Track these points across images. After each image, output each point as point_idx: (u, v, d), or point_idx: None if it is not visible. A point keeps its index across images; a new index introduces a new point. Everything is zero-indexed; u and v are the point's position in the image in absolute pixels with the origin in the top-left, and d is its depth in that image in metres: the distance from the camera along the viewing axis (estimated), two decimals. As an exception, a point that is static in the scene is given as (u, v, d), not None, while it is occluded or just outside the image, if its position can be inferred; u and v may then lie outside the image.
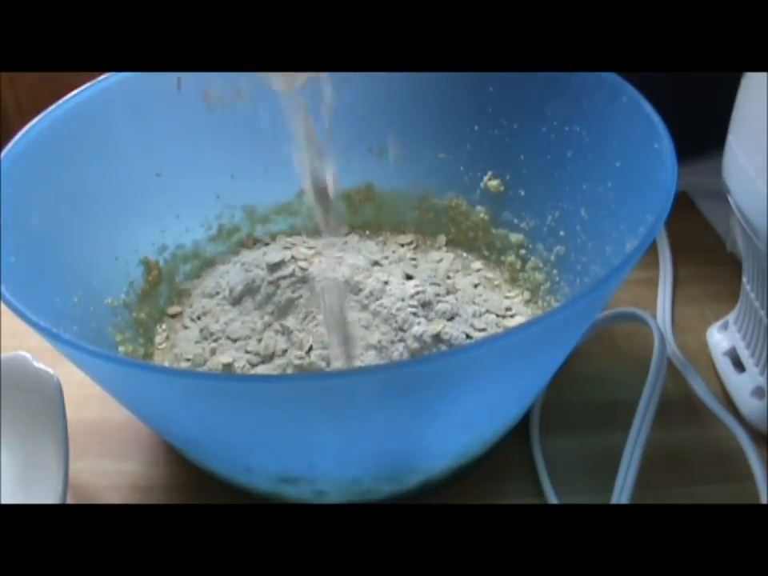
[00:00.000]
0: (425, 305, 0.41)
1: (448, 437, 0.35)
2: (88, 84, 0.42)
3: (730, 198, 0.38)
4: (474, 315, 0.42)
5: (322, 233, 0.39)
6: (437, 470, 0.36)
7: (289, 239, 0.49)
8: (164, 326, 0.46)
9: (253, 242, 0.50)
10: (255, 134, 0.45)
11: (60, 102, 0.41)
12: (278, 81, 0.33)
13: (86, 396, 0.39)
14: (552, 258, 0.44)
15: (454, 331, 0.40)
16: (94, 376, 0.33)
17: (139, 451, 0.42)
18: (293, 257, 0.44)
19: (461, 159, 0.48)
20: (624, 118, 0.38)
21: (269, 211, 0.50)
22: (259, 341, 0.41)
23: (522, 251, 0.46)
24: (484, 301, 0.44)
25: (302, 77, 0.33)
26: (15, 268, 0.34)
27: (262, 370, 0.40)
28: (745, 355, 0.41)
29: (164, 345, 0.45)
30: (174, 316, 0.46)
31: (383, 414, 0.31)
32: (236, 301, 0.44)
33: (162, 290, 0.47)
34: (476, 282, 0.46)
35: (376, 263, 0.46)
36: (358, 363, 0.39)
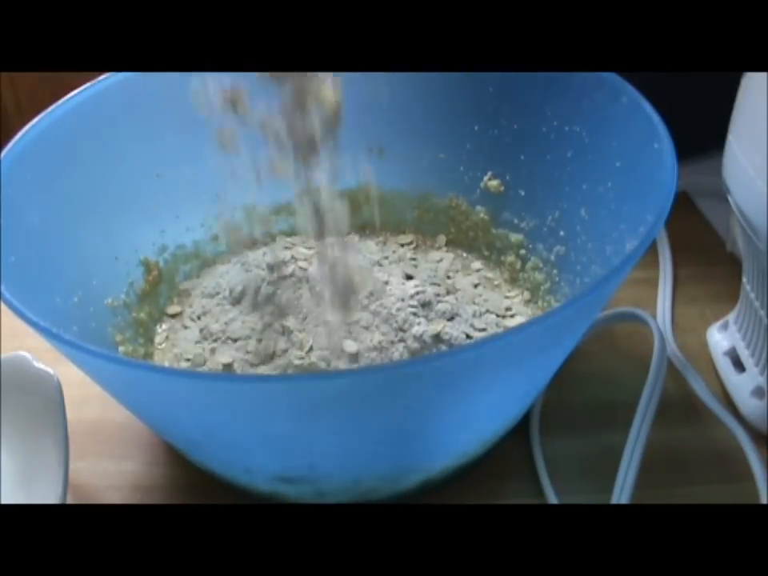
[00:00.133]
0: (425, 305, 0.41)
1: (448, 437, 0.35)
2: (88, 84, 0.42)
3: (730, 198, 0.38)
4: (473, 315, 0.42)
5: (316, 235, 0.38)
6: (437, 470, 0.36)
7: (289, 239, 0.49)
8: (164, 326, 0.46)
9: (252, 243, 0.50)
10: (255, 134, 0.45)
11: (60, 101, 0.41)
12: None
13: (86, 396, 0.39)
14: (552, 257, 0.44)
15: (454, 331, 0.40)
16: (94, 376, 0.33)
17: (139, 451, 0.42)
18: (293, 257, 0.44)
19: (461, 159, 0.48)
20: (624, 118, 0.38)
21: (269, 211, 0.50)
22: (259, 341, 0.41)
23: (522, 251, 0.46)
24: (484, 301, 0.44)
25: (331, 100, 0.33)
26: (15, 268, 0.34)
27: (262, 370, 0.40)
28: (745, 355, 0.41)
29: (164, 345, 0.45)
30: (174, 316, 0.46)
31: (383, 414, 0.31)
32: (236, 301, 0.44)
33: (161, 289, 0.47)
34: (476, 282, 0.46)
35: (376, 263, 0.46)
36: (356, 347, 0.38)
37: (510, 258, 0.47)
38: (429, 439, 0.35)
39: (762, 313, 0.39)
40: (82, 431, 0.41)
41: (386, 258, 0.47)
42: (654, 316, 0.45)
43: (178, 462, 0.41)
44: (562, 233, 0.43)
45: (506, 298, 0.46)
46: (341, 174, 0.48)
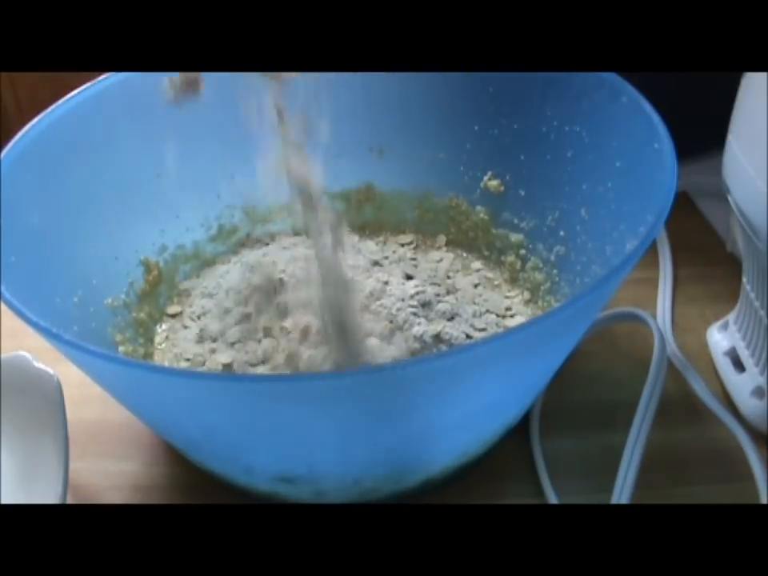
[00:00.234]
0: (425, 305, 0.41)
1: (448, 437, 0.35)
2: (88, 84, 0.42)
3: (730, 198, 0.38)
4: (473, 315, 0.42)
5: (309, 234, 0.38)
6: (437, 469, 0.36)
7: (289, 239, 0.49)
8: (164, 326, 0.46)
9: (252, 243, 0.50)
10: (255, 134, 0.45)
11: (60, 101, 0.41)
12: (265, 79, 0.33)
13: (86, 396, 0.39)
14: (552, 257, 0.44)
15: (454, 331, 0.40)
16: (94, 376, 0.33)
17: (139, 451, 0.41)
18: (293, 257, 0.44)
19: (461, 159, 0.48)
20: (624, 117, 0.38)
21: (269, 211, 0.50)
22: (259, 341, 0.41)
23: (522, 251, 0.46)
24: (484, 301, 0.44)
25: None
26: (15, 268, 0.34)
27: (261, 370, 0.40)
28: (745, 355, 0.41)
29: (164, 345, 0.45)
30: (173, 316, 0.46)
31: (383, 414, 0.31)
32: (236, 301, 0.44)
33: (161, 289, 0.47)
34: (476, 281, 0.46)
35: (376, 263, 0.46)
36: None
37: (510, 258, 0.47)
38: (429, 439, 0.35)
39: (762, 313, 0.39)
40: (82, 431, 0.41)
41: (386, 257, 0.47)
42: (654, 316, 0.45)
43: (178, 461, 0.41)
44: (561, 233, 0.44)
45: (506, 297, 0.46)
46: (341, 174, 0.48)
